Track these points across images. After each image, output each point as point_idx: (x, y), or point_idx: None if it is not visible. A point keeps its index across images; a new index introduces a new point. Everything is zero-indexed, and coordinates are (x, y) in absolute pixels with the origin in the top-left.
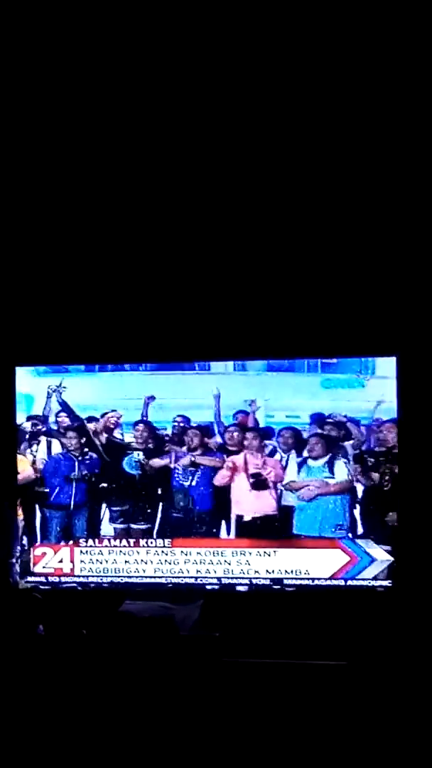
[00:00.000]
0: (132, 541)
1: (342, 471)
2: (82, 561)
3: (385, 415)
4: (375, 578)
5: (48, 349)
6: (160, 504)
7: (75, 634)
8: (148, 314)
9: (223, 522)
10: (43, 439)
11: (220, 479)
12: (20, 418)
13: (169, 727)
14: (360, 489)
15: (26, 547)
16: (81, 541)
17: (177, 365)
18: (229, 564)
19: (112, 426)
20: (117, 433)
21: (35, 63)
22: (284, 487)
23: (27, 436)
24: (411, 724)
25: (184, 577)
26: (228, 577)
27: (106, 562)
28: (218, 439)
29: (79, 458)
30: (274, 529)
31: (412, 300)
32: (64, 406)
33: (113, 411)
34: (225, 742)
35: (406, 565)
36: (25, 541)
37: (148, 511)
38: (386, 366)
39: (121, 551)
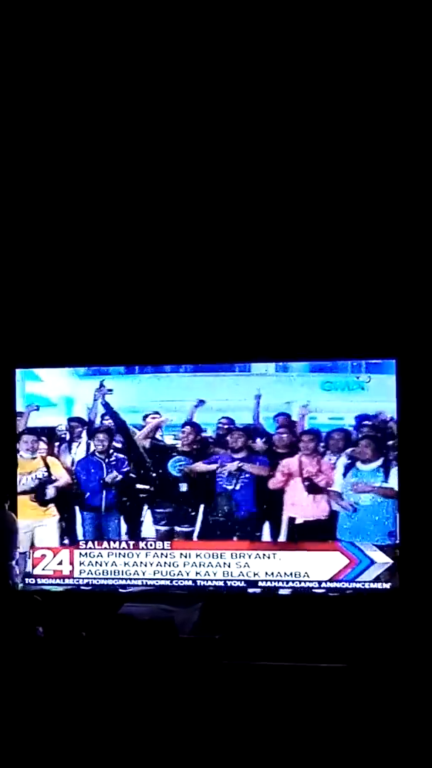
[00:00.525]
0: (132, 543)
1: (395, 476)
2: (81, 563)
3: None
4: (374, 580)
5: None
6: (202, 507)
7: (74, 636)
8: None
9: (267, 525)
10: (83, 441)
11: (274, 483)
12: (59, 420)
13: (169, 729)
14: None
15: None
16: (81, 543)
17: (217, 366)
18: (229, 566)
19: (156, 428)
20: (158, 435)
21: (36, 63)
22: (344, 491)
23: (67, 438)
24: (411, 725)
25: (183, 580)
26: (228, 580)
27: (106, 564)
28: (261, 441)
29: (106, 460)
30: (323, 533)
31: None
32: (107, 408)
33: (155, 413)
34: (225, 744)
35: (407, 568)
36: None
37: (191, 513)
38: None
39: (120, 553)
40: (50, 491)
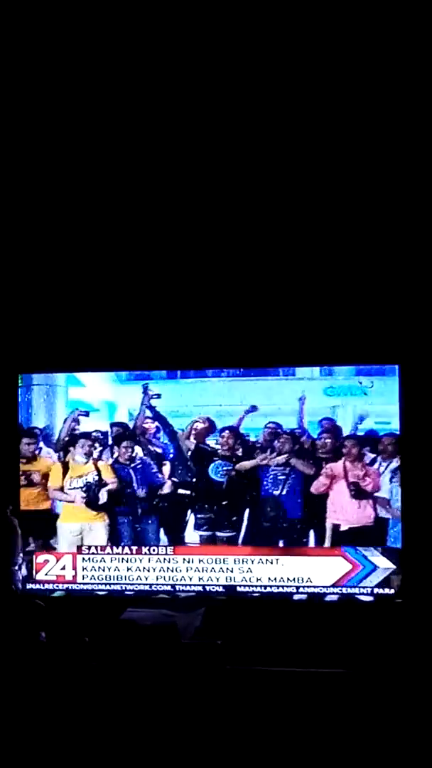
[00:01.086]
0: (134, 548)
1: None
2: (84, 569)
3: None
4: (377, 586)
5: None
6: (246, 512)
7: (77, 641)
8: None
9: (312, 531)
10: (123, 446)
11: (317, 486)
12: (104, 425)
13: (172, 734)
14: None
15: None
16: (83, 548)
17: (261, 371)
18: (232, 572)
19: (202, 433)
20: (207, 440)
21: (36, 64)
22: (392, 497)
23: (110, 443)
24: (412, 730)
25: (187, 585)
26: (231, 585)
27: (109, 569)
28: (306, 446)
29: (131, 465)
30: (371, 541)
31: None
32: (154, 413)
33: (206, 419)
34: (227, 749)
35: (411, 574)
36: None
37: (233, 518)
38: None
39: (123, 559)
40: (102, 496)
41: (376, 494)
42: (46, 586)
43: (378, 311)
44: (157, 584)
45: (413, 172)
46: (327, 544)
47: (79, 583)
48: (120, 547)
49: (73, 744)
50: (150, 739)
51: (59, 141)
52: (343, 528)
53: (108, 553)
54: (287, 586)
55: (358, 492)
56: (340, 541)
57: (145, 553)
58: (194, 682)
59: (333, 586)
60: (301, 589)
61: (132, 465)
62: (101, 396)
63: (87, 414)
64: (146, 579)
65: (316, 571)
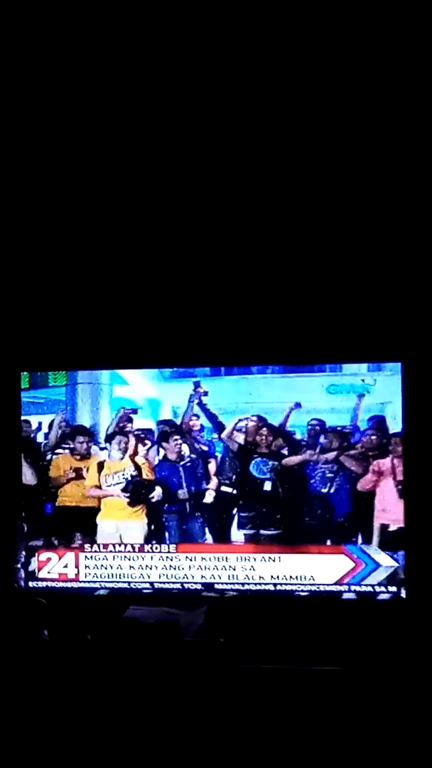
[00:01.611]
0: (137, 546)
1: None
2: (86, 566)
3: None
4: (380, 584)
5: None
6: (292, 510)
7: (80, 639)
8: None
9: (360, 531)
10: (171, 444)
11: (363, 484)
12: (147, 423)
13: (174, 733)
14: None
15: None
16: (86, 546)
17: (307, 368)
18: (234, 570)
19: (252, 430)
20: (248, 437)
21: (36, 64)
22: None
23: (158, 440)
24: (414, 730)
25: (189, 583)
26: (233, 583)
27: (111, 567)
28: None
29: (181, 463)
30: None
31: None
32: (204, 410)
33: (256, 416)
34: (229, 749)
35: (413, 571)
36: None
37: (278, 516)
38: None
39: (125, 556)
40: (142, 491)
41: None
42: (48, 584)
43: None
44: (160, 582)
45: (416, 171)
46: (374, 544)
47: (82, 581)
48: (122, 546)
49: (75, 742)
50: (153, 737)
51: (60, 141)
52: (392, 528)
53: (110, 551)
54: (290, 584)
55: None
56: (389, 542)
57: (148, 551)
58: (197, 680)
59: (335, 584)
60: (303, 587)
61: (181, 462)
62: (145, 394)
63: (135, 412)
64: (149, 577)
65: (319, 569)
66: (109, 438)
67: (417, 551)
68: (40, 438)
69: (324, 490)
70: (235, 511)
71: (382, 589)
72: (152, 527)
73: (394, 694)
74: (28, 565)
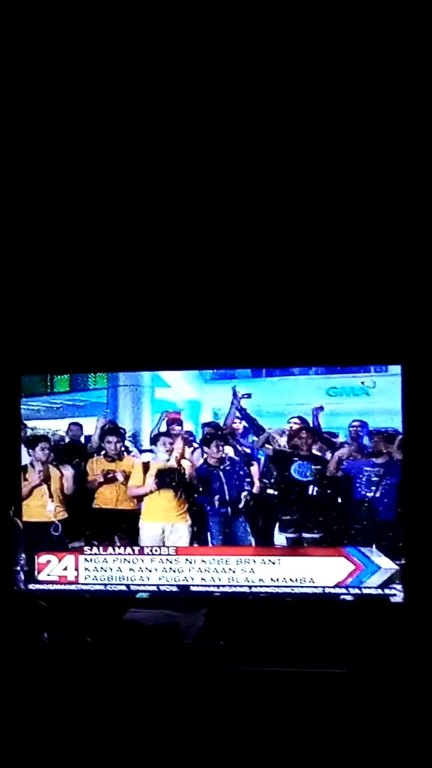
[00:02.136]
0: (137, 549)
1: None
2: (86, 569)
3: None
4: (380, 586)
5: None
6: (334, 513)
7: (79, 642)
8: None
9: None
10: (212, 447)
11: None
12: (188, 425)
13: (174, 736)
14: None
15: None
16: (86, 548)
17: (349, 369)
18: (234, 572)
19: (295, 433)
20: (282, 442)
21: (36, 64)
22: None
23: (200, 444)
24: (415, 731)
25: (189, 585)
26: (233, 585)
27: (111, 570)
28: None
29: (220, 467)
30: None
31: None
32: (243, 413)
33: (299, 417)
34: (229, 751)
35: (413, 574)
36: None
37: (320, 519)
38: None
39: (125, 559)
40: (186, 492)
41: None
42: (48, 586)
43: None
44: (160, 584)
45: (416, 176)
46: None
47: (81, 584)
48: (122, 548)
49: (75, 745)
50: (152, 739)
51: (60, 144)
52: None
53: (110, 554)
54: (290, 587)
55: None
56: None
57: (147, 554)
58: (196, 683)
59: (336, 586)
60: (303, 590)
61: (221, 466)
62: (186, 396)
63: (179, 414)
64: (149, 579)
65: (319, 572)
66: (154, 440)
67: (416, 554)
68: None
69: (369, 494)
70: (277, 514)
71: (382, 591)
72: (195, 529)
73: (395, 696)
74: (28, 568)
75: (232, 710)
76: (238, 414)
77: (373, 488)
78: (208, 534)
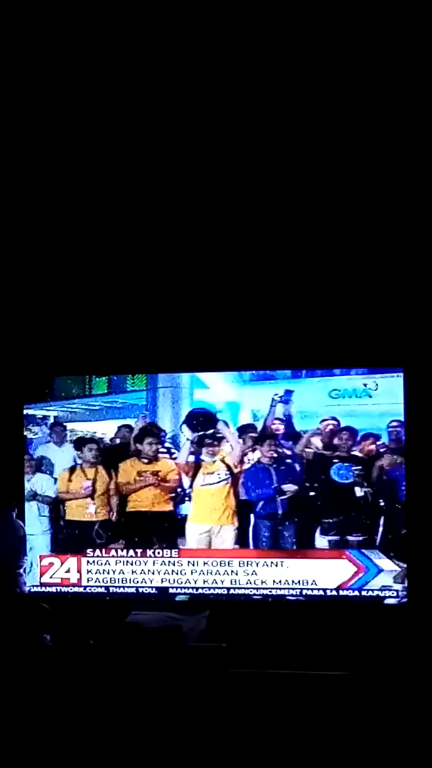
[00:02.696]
0: (139, 551)
1: None
2: (89, 571)
3: None
4: (382, 588)
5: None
6: (382, 517)
7: (82, 644)
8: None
9: None
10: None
11: None
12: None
13: (177, 737)
14: None
15: None
16: (88, 551)
17: (387, 369)
18: (236, 574)
19: (329, 433)
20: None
21: (36, 64)
22: None
23: (254, 443)
24: (418, 733)
25: (191, 588)
26: (235, 588)
27: (113, 572)
28: None
29: (274, 467)
30: None
31: None
32: (283, 414)
33: (332, 418)
34: (232, 752)
35: (416, 576)
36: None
37: (366, 522)
38: None
39: (127, 561)
40: (234, 492)
41: None
42: (51, 589)
43: None
44: (162, 587)
45: (417, 180)
46: None
47: (84, 586)
48: (125, 550)
49: (77, 746)
50: (155, 741)
51: (61, 148)
52: None
53: (112, 556)
54: (293, 589)
55: None
56: None
57: (150, 556)
58: (199, 685)
59: (338, 588)
60: (306, 592)
61: (274, 465)
62: (225, 397)
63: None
64: (151, 582)
65: (322, 574)
66: (198, 441)
67: (419, 556)
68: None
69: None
70: (317, 517)
71: (385, 593)
72: (239, 531)
73: (397, 697)
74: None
75: (234, 712)
76: (279, 414)
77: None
78: (250, 536)
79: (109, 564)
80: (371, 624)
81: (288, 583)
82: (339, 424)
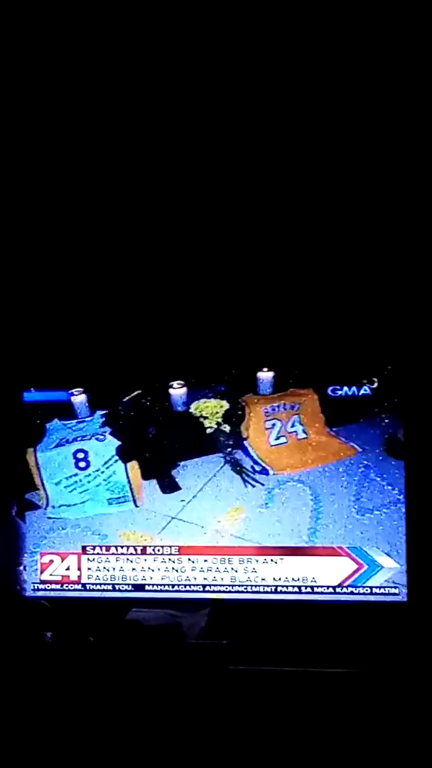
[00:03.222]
0: (139, 548)
1: None
2: (89, 569)
3: None
4: (382, 585)
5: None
6: None
7: (82, 641)
8: None
9: None
10: None
11: None
12: None
13: (177, 735)
14: None
15: None
16: (88, 548)
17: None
18: (236, 572)
19: None
20: None
21: (36, 64)
22: None
23: None
24: (419, 730)
25: (191, 585)
26: (235, 585)
27: (113, 569)
28: None
29: None
30: None
31: None
32: None
33: None
34: (232, 749)
35: (416, 573)
36: None
37: None
38: None
39: (127, 559)
40: None
41: None
42: (51, 586)
43: None
44: (162, 584)
45: (415, 188)
46: None
47: (84, 583)
48: (125, 548)
49: (77, 743)
50: (155, 738)
51: (58, 158)
52: None
53: (113, 553)
54: (292, 586)
55: None
56: None
57: (150, 553)
58: (199, 683)
59: (338, 585)
60: (306, 589)
61: None
62: None
63: None
64: (151, 579)
65: (321, 571)
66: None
67: (419, 554)
68: None
69: None
70: None
71: (384, 590)
72: None
73: (398, 694)
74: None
75: (234, 709)
76: None
77: None
78: None
79: (109, 561)
80: (371, 621)
81: (288, 581)
82: None
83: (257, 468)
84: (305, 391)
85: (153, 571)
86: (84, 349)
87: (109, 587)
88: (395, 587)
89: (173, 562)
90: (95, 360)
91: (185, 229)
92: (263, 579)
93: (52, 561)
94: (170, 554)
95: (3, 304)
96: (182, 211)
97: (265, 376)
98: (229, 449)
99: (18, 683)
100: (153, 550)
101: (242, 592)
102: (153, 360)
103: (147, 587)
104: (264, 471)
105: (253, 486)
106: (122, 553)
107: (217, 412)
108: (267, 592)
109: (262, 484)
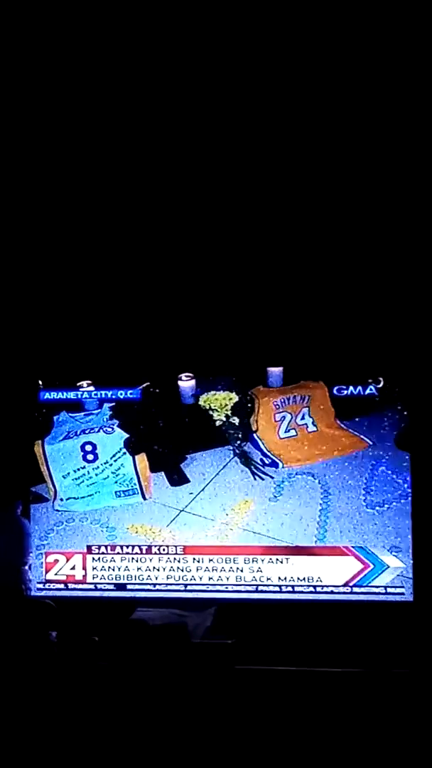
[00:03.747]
0: (144, 548)
1: None
2: (94, 568)
3: None
4: (388, 585)
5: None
6: None
7: (87, 641)
8: None
9: None
10: None
11: None
12: None
13: (183, 733)
14: None
15: None
16: (93, 547)
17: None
18: (242, 571)
19: None
20: None
21: (36, 64)
22: None
23: None
24: (422, 729)
25: (196, 585)
26: (240, 584)
27: (118, 569)
28: None
29: None
30: None
31: None
32: None
33: None
34: (238, 748)
35: (422, 572)
36: None
37: None
38: None
39: (132, 558)
40: None
41: None
42: (56, 585)
43: None
44: (167, 584)
45: (419, 190)
46: None
47: (89, 583)
48: (130, 547)
49: (84, 741)
50: (161, 737)
51: (57, 161)
52: None
53: (117, 553)
54: (298, 586)
55: None
56: None
57: (155, 553)
58: (205, 682)
59: (344, 585)
60: (311, 589)
61: None
62: None
63: None
64: (156, 579)
65: (328, 571)
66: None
67: (425, 553)
68: None
69: None
70: None
71: (390, 590)
72: None
73: (403, 693)
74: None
75: (239, 708)
76: None
77: None
78: None
79: (114, 561)
80: (377, 620)
81: (294, 580)
82: None
83: (266, 461)
84: (316, 383)
85: (158, 570)
86: (92, 343)
87: (114, 587)
88: (401, 587)
89: (178, 561)
90: (102, 353)
91: (199, 230)
92: (269, 579)
93: (57, 560)
94: (175, 554)
95: (12, 296)
96: (195, 209)
97: (275, 369)
98: (239, 442)
99: (23, 682)
100: (158, 549)
101: (247, 591)
102: (161, 352)
103: (152, 587)
104: (273, 464)
105: (263, 479)
106: (127, 553)
107: (226, 405)
108: (273, 592)
109: (272, 477)
